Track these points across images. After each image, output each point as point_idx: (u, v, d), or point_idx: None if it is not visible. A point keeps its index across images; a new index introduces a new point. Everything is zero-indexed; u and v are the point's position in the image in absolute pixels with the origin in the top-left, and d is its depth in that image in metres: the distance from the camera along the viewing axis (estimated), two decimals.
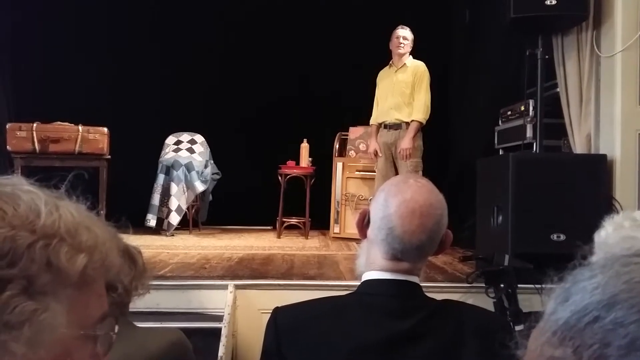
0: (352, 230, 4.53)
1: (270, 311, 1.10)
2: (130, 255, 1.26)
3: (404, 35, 4.07)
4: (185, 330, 1.38)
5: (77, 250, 0.54)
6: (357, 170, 4.73)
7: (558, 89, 3.30)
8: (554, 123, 3.32)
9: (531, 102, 3.38)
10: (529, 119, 3.38)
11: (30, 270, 0.51)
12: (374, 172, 4.28)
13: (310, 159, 4.86)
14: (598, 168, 2.84)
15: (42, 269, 0.52)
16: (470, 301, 2.20)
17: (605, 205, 2.74)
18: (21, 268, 0.50)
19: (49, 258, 0.52)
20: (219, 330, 2.34)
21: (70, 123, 4.12)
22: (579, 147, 3.14)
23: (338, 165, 4.79)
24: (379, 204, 1.05)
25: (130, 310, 1.35)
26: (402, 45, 4.05)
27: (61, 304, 0.53)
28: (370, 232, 1.08)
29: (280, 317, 1.07)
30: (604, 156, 2.91)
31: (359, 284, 1.10)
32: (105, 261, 0.58)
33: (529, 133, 3.38)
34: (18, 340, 0.50)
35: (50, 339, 0.52)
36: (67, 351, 0.54)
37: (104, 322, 0.59)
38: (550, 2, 2.91)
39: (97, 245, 0.57)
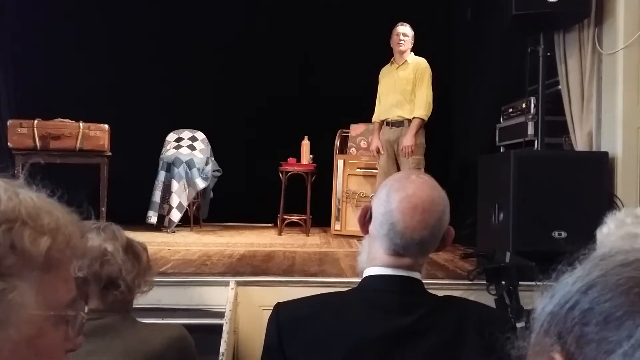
0: (353, 227, 4.53)
1: (272, 308, 1.10)
2: (134, 253, 1.26)
3: (404, 32, 4.06)
4: (186, 326, 1.39)
5: (39, 232, 0.56)
6: (358, 168, 4.73)
7: (560, 87, 3.29)
8: (555, 120, 3.31)
9: (532, 99, 3.37)
10: (530, 117, 3.38)
11: None
12: (375, 169, 4.28)
13: (311, 156, 4.86)
14: (599, 165, 2.85)
15: (6, 252, 0.53)
16: (471, 298, 2.20)
17: (607, 203, 2.74)
18: None
19: (13, 241, 0.54)
20: (220, 326, 2.34)
21: (71, 120, 4.12)
22: (580, 144, 3.14)
23: (339, 163, 4.79)
24: (381, 200, 1.05)
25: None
26: (402, 42, 4.05)
27: (29, 285, 0.55)
28: (372, 227, 1.08)
29: (282, 313, 1.07)
30: (605, 154, 2.91)
31: (361, 280, 1.10)
32: (69, 243, 0.59)
33: (531, 130, 3.38)
34: None
35: (19, 317, 0.53)
36: (39, 332, 0.56)
37: (74, 305, 0.60)
38: None
39: (59, 228, 0.58)
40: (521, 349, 0.51)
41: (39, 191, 0.61)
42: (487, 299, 2.23)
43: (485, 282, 2.37)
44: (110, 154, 4.16)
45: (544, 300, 0.48)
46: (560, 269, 0.50)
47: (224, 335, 2.29)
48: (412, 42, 4.10)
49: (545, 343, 0.46)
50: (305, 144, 4.84)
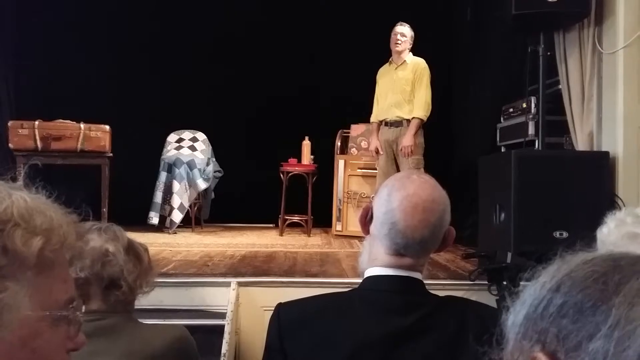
0: (354, 227, 4.53)
1: (273, 308, 1.10)
2: (135, 253, 1.26)
3: (402, 32, 4.06)
4: (188, 327, 1.39)
5: (32, 233, 0.56)
6: (358, 168, 4.73)
7: (560, 86, 3.29)
8: (556, 120, 3.31)
9: (533, 99, 3.37)
10: (531, 116, 3.38)
11: None
12: (376, 169, 4.28)
13: (312, 156, 4.87)
14: (600, 165, 2.84)
15: None
16: (473, 299, 2.20)
17: (608, 202, 2.74)
18: None
19: (4, 242, 0.54)
20: (221, 327, 2.35)
21: (72, 121, 4.12)
22: (581, 144, 3.13)
23: (340, 163, 4.79)
24: (382, 199, 1.06)
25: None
26: (399, 42, 4.04)
27: (21, 286, 0.55)
28: (373, 227, 1.08)
29: (283, 313, 1.07)
30: (606, 153, 2.90)
31: (362, 280, 1.10)
32: (64, 243, 0.59)
33: (531, 130, 3.38)
34: None
35: (10, 319, 0.53)
36: (34, 333, 0.55)
37: (72, 306, 0.60)
38: None
39: (53, 228, 0.58)
40: None
41: (38, 193, 0.61)
42: (489, 299, 2.23)
43: (486, 282, 2.37)
44: (111, 154, 4.16)
45: (513, 311, 0.51)
46: (525, 276, 0.54)
47: (226, 336, 2.29)
48: (411, 42, 4.10)
49: (524, 347, 0.48)
50: (306, 144, 4.85)
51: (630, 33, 2.93)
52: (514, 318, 0.50)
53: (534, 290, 0.50)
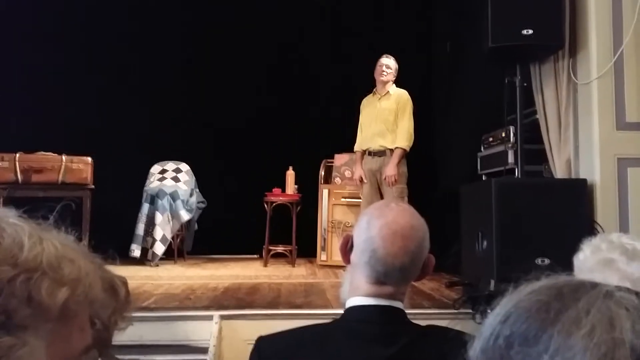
0: (339, 257, 4.48)
1: None
2: (111, 288, 1.23)
3: (387, 63, 4.16)
4: None
5: (59, 284, 0.53)
6: (342, 197, 4.75)
7: (537, 116, 3.37)
8: (534, 149, 3.37)
9: (512, 128, 3.44)
10: (510, 145, 3.44)
11: (10, 304, 0.50)
12: (360, 198, 4.29)
13: (296, 186, 4.87)
14: (579, 192, 2.89)
15: (22, 304, 0.50)
16: (457, 327, 2.19)
17: (588, 228, 2.77)
18: (0, 303, 0.49)
19: (30, 292, 0.51)
20: None
21: (54, 153, 4.09)
22: (559, 171, 3.19)
23: (324, 192, 4.81)
24: (361, 228, 1.07)
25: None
26: (384, 73, 4.14)
27: (41, 339, 0.52)
28: (353, 256, 1.09)
29: (264, 346, 1.05)
30: (584, 180, 2.96)
31: (343, 311, 1.09)
32: (88, 294, 0.57)
33: (511, 159, 3.43)
34: None
35: None
36: None
37: (87, 355, 0.58)
38: (527, 32, 3.00)
39: (80, 279, 0.56)
40: None
41: (67, 234, 0.59)
42: (474, 328, 2.22)
43: (471, 310, 2.37)
44: (93, 187, 4.12)
45: (474, 343, 0.52)
46: (484, 309, 0.55)
47: None
48: (395, 74, 4.20)
49: None
50: (290, 174, 4.86)
51: (603, 64, 3.03)
52: (473, 351, 0.52)
53: (488, 323, 0.51)
